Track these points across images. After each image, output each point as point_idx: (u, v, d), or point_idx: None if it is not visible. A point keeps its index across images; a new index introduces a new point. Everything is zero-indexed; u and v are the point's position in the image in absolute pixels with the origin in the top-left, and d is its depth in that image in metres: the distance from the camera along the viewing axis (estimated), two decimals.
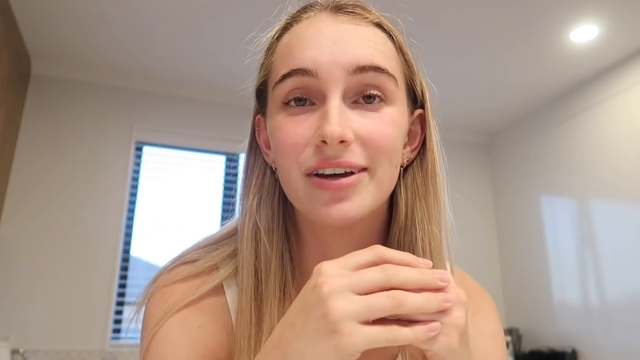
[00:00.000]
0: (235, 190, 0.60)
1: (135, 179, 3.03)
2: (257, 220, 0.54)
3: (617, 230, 2.82)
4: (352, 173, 0.47)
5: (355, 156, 0.47)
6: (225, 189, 3.19)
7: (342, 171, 0.47)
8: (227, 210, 3.06)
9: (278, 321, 0.45)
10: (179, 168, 3.16)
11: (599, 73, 3.00)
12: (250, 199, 0.55)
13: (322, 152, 0.46)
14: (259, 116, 0.57)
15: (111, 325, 2.73)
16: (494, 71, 3.01)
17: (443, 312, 0.38)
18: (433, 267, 0.45)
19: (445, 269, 0.55)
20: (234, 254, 0.56)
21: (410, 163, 0.55)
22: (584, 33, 2.60)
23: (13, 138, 2.69)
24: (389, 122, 0.49)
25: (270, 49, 0.54)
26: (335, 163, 0.46)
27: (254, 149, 0.57)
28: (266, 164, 0.56)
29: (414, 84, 0.55)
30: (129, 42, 2.71)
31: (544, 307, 3.28)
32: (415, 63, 0.56)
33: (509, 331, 3.32)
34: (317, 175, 0.47)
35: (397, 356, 0.55)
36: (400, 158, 0.52)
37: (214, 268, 0.56)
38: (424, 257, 0.51)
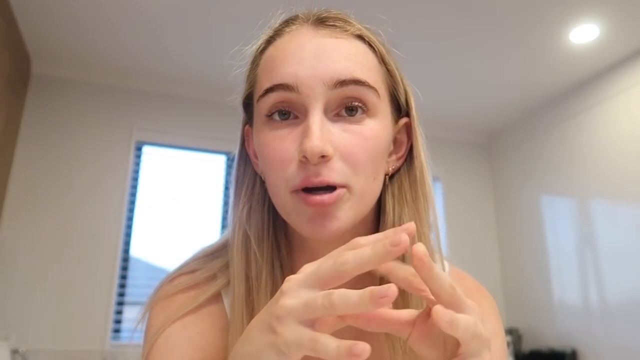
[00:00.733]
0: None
1: (135, 179, 3.03)
2: (247, 229, 0.55)
3: (617, 230, 2.82)
4: (334, 188, 0.48)
5: (333, 173, 0.47)
6: (226, 188, 3.19)
7: (323, 188, 0.48)
8: (228, 210, 3.05)
9: None
10: (179, 168, 3.16)
11: (599, 73, 3.00)
12: (240, 208, 0.56)
13: (305, 168, 0.47)
14: (247, 127, 0.58)
15: (111, 325, 2.73)
16: (494, 71, 3.01)
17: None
18: None
19: (442, 269, 0.54)
20: (227, 265, 0.57)
21: (397, 170, 0.56)
22: (584, 33, 2.60)
23: (13, 138, 2.69)
24: (369, 136, 0.49)
25: (255, 62, 0.55)
26: (318, 182, 0.47)
27: (244, 158, 0.58)
28: (256, 173, 0.57)
29: (397, 93, 0.55)
30: (129, 42, 2.71)
31: (544, 307, 3.28)
32: (399, 72, 0.56)
33: (509, 331, 3.32)
34: (303, 190, 0.48)
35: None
36: (383, 168, 0.53)
37: (212, 278, 0.57)
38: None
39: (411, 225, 0.37)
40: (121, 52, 2.82)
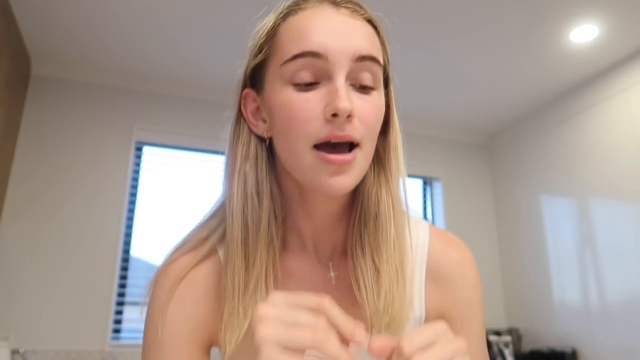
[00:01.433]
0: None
1: (135, 179, 3.03)
2: (245, 183, 0.60)
3: (617, 230, 2.82)
4: (351, 149, 0.55)
5: (355, 130, 0.54)
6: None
7: (344, 146, 0.55)
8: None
9: (265, 267, 0.57)
10: (179, 168, 3.16)
11: (599, 73, 3.00)
12: (237, 166, 0.61)
13: (332, 124, 0.53)
14: (247, 90, 0.62)
15: (111, 325, 2.73)
16: (494, 71, 3.01)
17: None
18: (397, 222, 0.60)
19: (408, 222, 0.63)
20: (222, 220, 0.63)
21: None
22: (584, 33, 2.60)
23: (13, 138, 2.69)
24: (377, 105, 0.58)
25: (271, 33, 0.59)
26: (342, 136, 0.54)
27: (240, 120, 0.63)
28: (251, 133, 0.62)
29: (388, 72, 0.63)
30: (129, 42, 2.71)
31: (544, 307, 3.28)
32: (390, 56, 0.64)
33: (509, 331, 3.32)
34: (322, 150, 0.54)
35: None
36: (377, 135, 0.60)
37: (207, 238, 0.63)
38: (387, 207, 0.60)
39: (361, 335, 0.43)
40: (121, 52, 2.82)
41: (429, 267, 0.64)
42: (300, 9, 0.58)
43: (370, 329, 0.56)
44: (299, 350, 0.41)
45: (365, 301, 0.58)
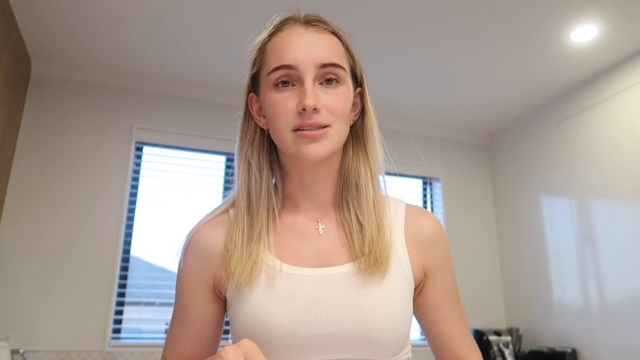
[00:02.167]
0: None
1: (135, 179, 3.03)
2: (250, 161, 0.78)
3: (617, 230, 2.82)
4: (321, 128, 0.72)
5: (322, 118, 0.72)
6: (225, 189, 3.18)
7: (314, 127, 0.72)
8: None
9: (267, 222, 0.76)
10: (179, 168, 3.16)
11: (599, 73, 3.01)
12: (244, 150, 0.79)
13: (302, 115, 0.71)
14: (251, 94, 0.81)
15: (111, 325, 2.73)
16: (494, 71, 3.01)
17: None
18: (375, 186, 0.78)
19: (384, 193, 0.81)
20: (234, 199, 0.81)
21: (354, 123, 0.81)
22: (584, 33, 2.60)
23: (13, 138, 2.69)
24: (341, 97, 0.74)
25: (261, 49, 0.78)
26: (310, 123, 0.71)
27: (247, 116, 0.81)
28: (256, 126, 0.80)
29: (355, 71, 0.81)
30: (129, 42, 2.71)
31: (544, 307, 3.28)
32: (357, 57, 0.81)
33: (509, 331, 3.32)
34: (299, 130, 0.71)
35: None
36: (349, 118, 0.78)
37: (225, 210, 0.82)
38: (366, 175, 0.78)
39: None
40: (121, 53, 2.82)
41: (408, 232, 0.79)
42: (280, 30, 0.77)
43: (358, 266, 0.72)
44: None
45: (352, 247, 0.74)
